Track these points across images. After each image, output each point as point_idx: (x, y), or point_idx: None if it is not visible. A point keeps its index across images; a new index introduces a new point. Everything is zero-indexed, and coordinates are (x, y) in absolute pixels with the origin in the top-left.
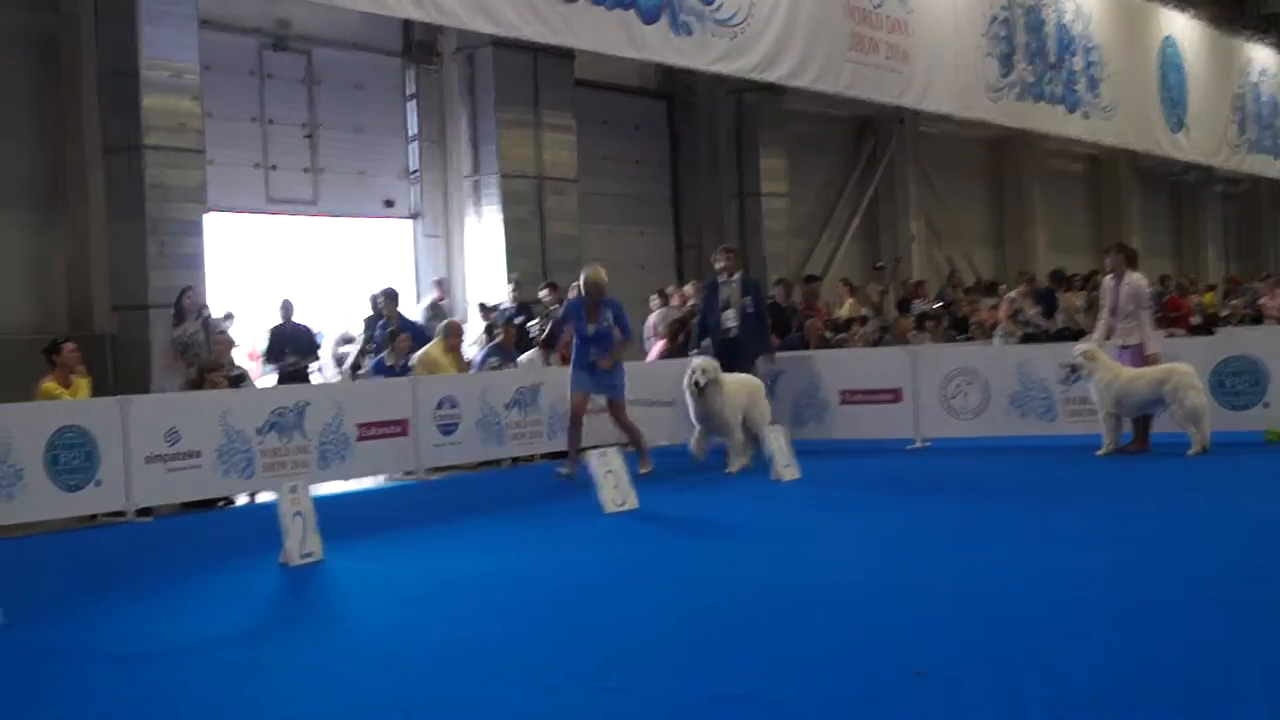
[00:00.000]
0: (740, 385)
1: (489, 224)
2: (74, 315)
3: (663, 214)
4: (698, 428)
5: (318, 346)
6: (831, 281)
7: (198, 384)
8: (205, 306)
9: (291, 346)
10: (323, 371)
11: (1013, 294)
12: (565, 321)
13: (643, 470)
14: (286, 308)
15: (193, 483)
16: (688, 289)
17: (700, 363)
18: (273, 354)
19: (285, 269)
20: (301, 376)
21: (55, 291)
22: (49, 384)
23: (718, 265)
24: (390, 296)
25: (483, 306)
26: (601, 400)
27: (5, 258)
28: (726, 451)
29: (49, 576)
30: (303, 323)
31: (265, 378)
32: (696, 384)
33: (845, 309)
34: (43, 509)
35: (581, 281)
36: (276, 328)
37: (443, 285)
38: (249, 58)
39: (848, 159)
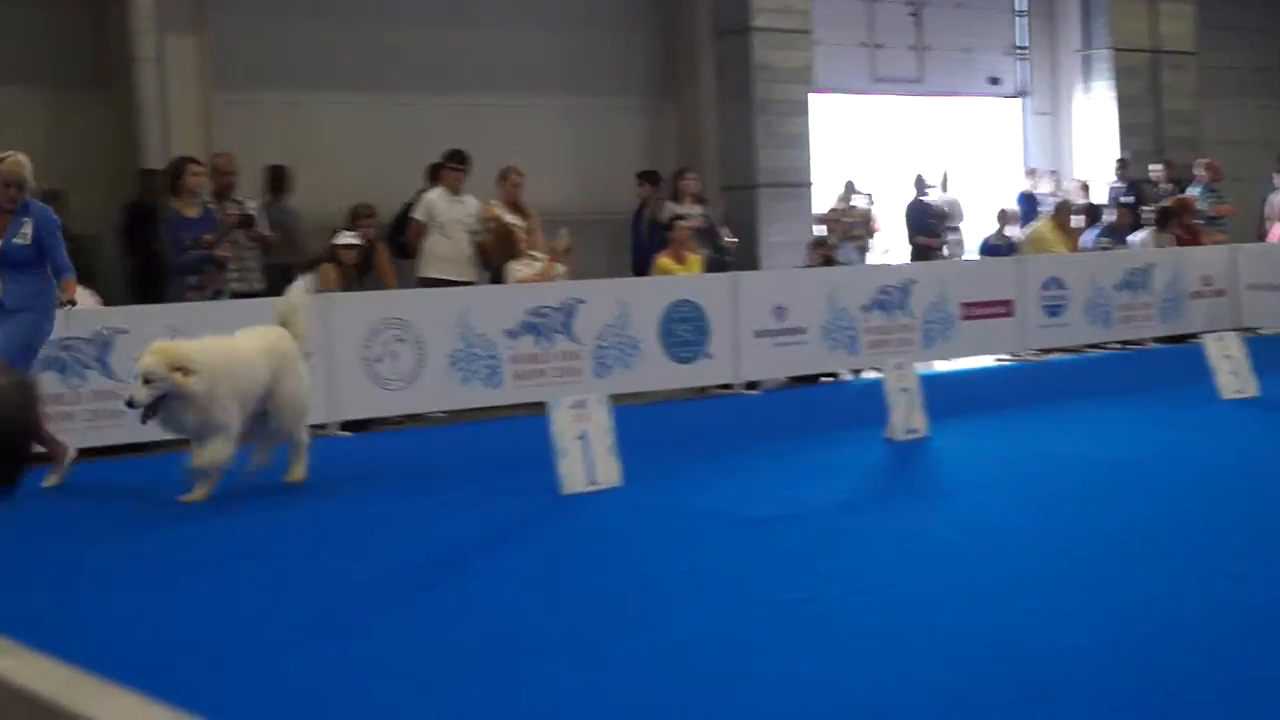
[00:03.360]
0: (251, 351)
1: (1099, 101)
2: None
3: None
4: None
5: (953, 221)
6: None
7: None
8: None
9: (935, 222)
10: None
11: None
12: None
13: (47, 483)
14: (920, 184)
15: (798, 358)
16: None
17: (146, 363)
18: (918, 231)
19: (889, 149)
20: (933, 253)
21: (668, 172)
22: (664, 260)
23: None
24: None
25: (1085, 186)
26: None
27: (622, 141)
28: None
29: (666, 442)
30: (936, 200)
31: (884, 255)
32: (131, 403)
33: None
34: (657, 379)
35: None
36: (913, 204)
37: (1036, 174)
38: None
39: None
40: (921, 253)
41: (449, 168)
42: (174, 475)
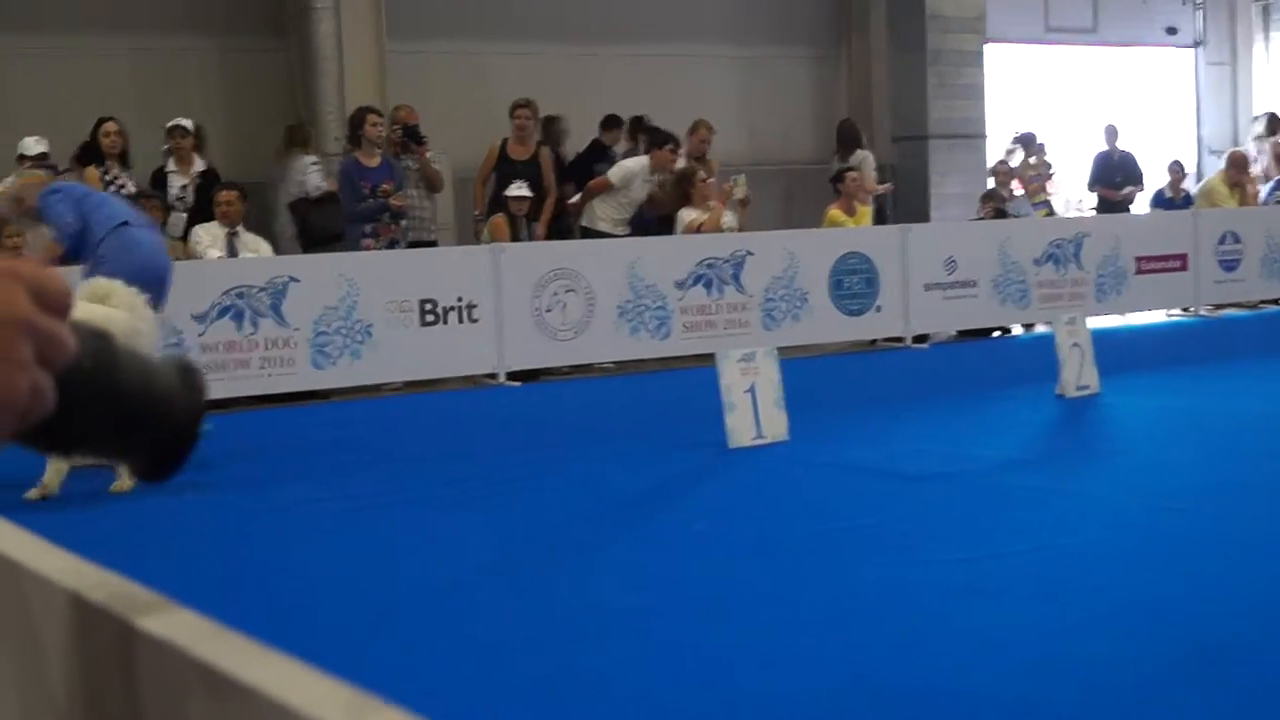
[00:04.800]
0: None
1: (1277, 51)
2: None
3: None
4: None
5: (1143, 175)
6: None
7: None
8: None
9: (1121, 174)
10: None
11: None
12: None
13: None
14: (1110, 134)
15: (968, 311)
16: None
17: None
18: (1098, 181)
19: (1063, 100)
20: (1125, 206)
21: (838, 122)
22: (834, 211)
23: None
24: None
25: (1262, 136)
26: None
27: (792, 90)
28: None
29: (834, 396)
30: (1128, 151)
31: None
32: None
33: None
34: (826, 332)
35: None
36: (1101, 155)
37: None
38: None
39: None
40: (1104, 205)
41: (669, 150)
42: (349, 423)
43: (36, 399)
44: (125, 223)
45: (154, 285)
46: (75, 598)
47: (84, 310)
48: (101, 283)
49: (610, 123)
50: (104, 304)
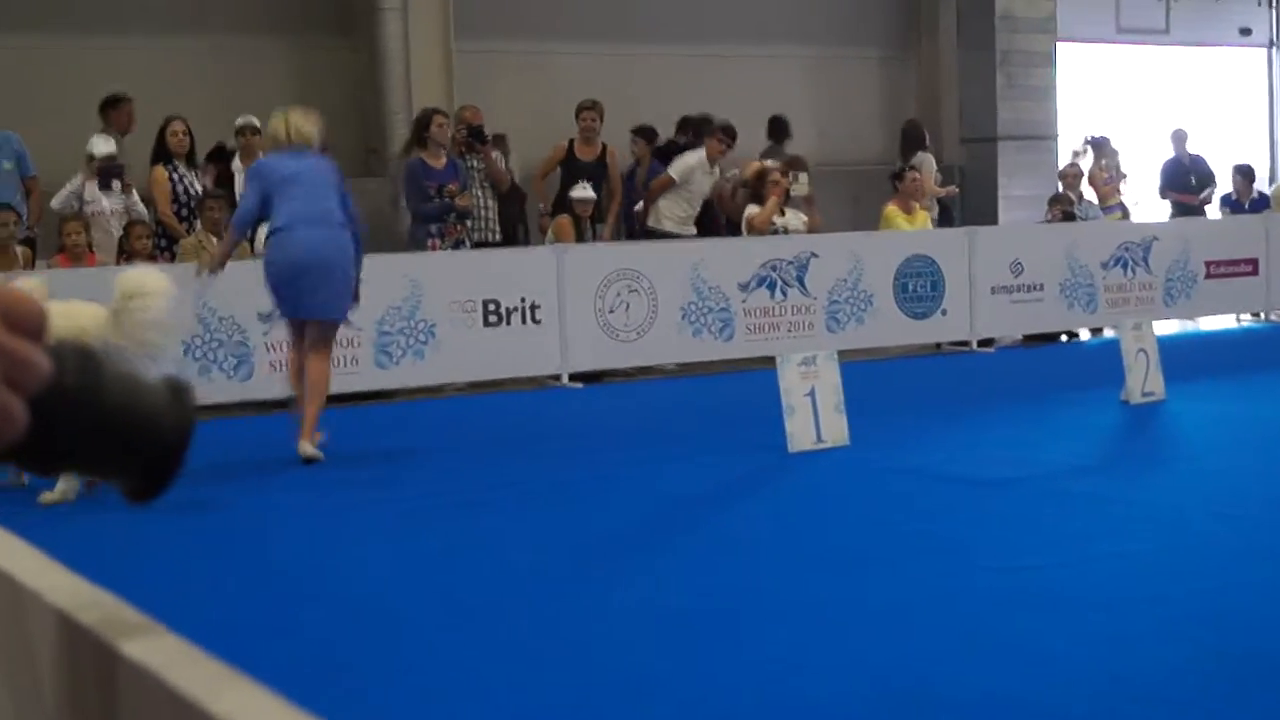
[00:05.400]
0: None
1: None
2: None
3: None
4: None
5: (1214, 175)
6: None
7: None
8: None
9: (1194, 176)
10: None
11: None
12: None
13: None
14: (1178, 139)
15: (1035, 315)
16: None
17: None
18: (1169, 187)
19: (1134, 101)
20: (1202, 209)
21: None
22: (891, 208)
23: None
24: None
25: None
26: None
27: (862, 91)
28: None
29: (898, 400)
30: (1199, 154)
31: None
32: None
33: None
34: (890, 335)
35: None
36: (1170, 160)
37: None
38: None
39: None
40: (1179, 209)
41: (719, 138)
42: (412, 424)
43: (4, 421)
44: (280, 228)
45: (290, 286)
46: (63, 618)
47: (65, 313)
48: (132, 276)
49: (684, 125)
50: (129, 302)
